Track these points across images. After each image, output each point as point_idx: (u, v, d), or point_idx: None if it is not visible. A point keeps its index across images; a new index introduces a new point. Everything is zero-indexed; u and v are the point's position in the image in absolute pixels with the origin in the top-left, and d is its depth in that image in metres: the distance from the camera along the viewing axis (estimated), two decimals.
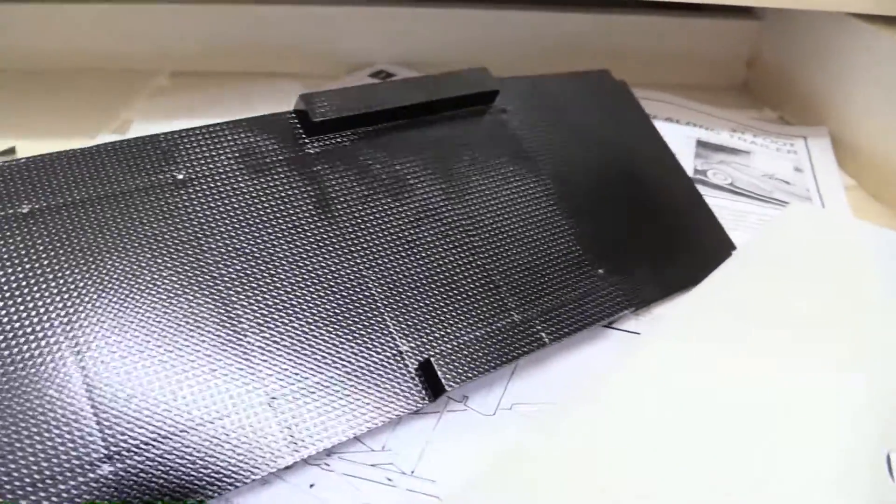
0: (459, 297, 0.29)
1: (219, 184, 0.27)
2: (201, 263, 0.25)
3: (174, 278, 0.25)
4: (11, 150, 0.43)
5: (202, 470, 0.23)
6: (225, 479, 0.23)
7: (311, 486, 0.25)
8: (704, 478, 0.26)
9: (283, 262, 0.27)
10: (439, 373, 0.26)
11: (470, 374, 0.27)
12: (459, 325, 0.29)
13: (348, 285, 0.28)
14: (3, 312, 0.22)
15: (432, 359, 0.27)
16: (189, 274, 0.25)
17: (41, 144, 0.30)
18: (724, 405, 0.29)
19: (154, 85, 0.54)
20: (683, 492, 0.25)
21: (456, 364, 0.27)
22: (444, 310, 0.29)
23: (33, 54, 0.54)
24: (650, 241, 0.36)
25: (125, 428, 0.22)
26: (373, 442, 0.27)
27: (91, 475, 0.21)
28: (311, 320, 0.26)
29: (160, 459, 0.22)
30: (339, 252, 0.28)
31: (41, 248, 0.23)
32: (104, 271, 0.24)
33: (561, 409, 0.28)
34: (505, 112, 0.35)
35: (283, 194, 0.28)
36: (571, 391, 0.29)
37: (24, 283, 0.22)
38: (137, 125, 0.48)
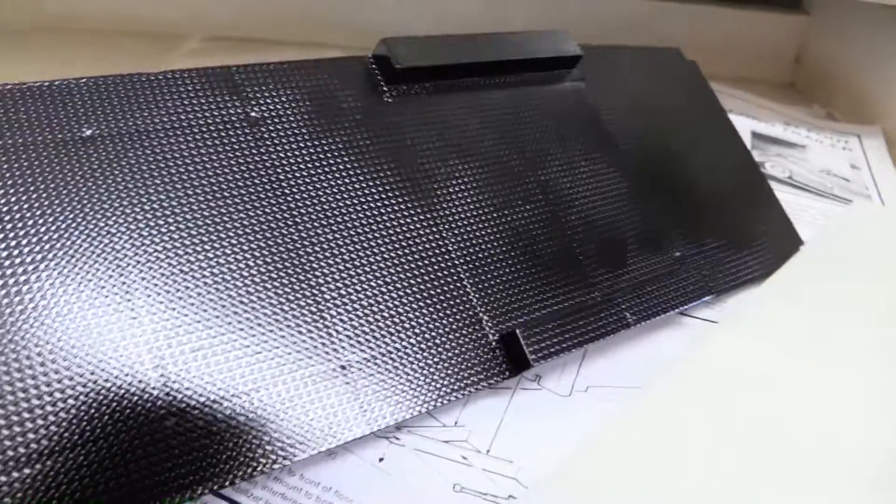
0: (541, 267, 0.27)
1: (294, 126, 0.25)
2: (275, 210, 0.23)
3: (245, 224, 0.23)
4: None
5: (267, 435, 0.21)
6: (290, 447, 0.21)
7: (381, 459, 0.23)
8: (777, 471, 0.24)
9: (359, 216, 0.25)
10: (525, 347, 0.25)
11: (556, 350, 0.25)
12: (542, 297, 0.27)
13: (426, 246, 0.25)
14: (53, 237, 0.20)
15: (518, 330, 0.25)
16: (262, 220, 0.23)
17: None
18: (798, 402, 0.27)
19: (186, 48, 0.52)
20: (757, 483, 0.24)
21: (542, 338, 0.25)
22: (527, 279, 0.27)
23: (64, 16, 0.51)
24: (720, 230, 0.34)
25: (190, 385, 0.20)
26: (444, 416, 0.25)
27: (156, 425, 0.19)
28: (387, 282, 0.24)
29: (225, 421, 0.20)
30: (417, 210, 0.26)
31: (100, 175, 0.21)
32: (168, 207, 0.22)
33: (644, 395, 0.26)
34: (583, 80, 0.33)
35: (359, 143, 0.26)
36: (649, 377, 0.27)
37: (77, 209, 0.20)
38: None
